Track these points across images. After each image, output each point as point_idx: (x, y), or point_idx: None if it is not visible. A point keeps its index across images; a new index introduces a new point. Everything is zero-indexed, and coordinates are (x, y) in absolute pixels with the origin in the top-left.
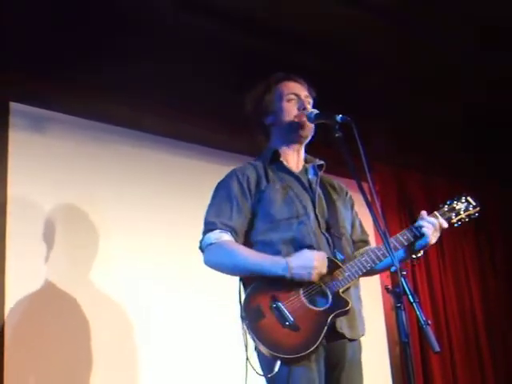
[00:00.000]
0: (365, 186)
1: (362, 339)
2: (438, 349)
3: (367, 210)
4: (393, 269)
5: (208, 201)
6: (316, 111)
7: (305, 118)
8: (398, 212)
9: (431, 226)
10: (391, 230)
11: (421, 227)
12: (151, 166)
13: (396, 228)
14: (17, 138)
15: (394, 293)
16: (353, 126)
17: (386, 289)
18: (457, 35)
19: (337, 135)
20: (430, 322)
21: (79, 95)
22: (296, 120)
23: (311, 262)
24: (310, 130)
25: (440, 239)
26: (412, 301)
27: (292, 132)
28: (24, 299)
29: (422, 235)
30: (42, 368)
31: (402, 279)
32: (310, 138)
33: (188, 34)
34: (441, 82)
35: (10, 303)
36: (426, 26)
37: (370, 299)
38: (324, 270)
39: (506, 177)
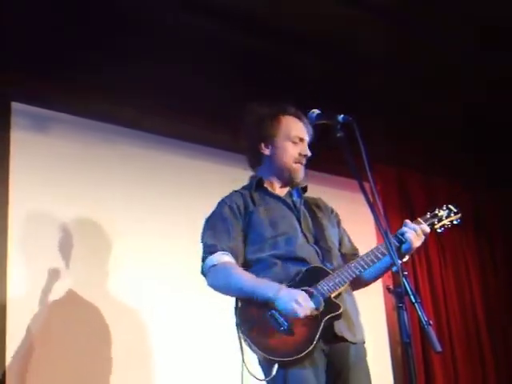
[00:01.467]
0: (366, 185)
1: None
2: (439, 349)
3: (369, 210)
4: (394, 269)
5: (212, 200)
6: (317, 111)
7: (299, 165)
8: (400, 211)
9: (413, 231)
10: (393, 230)
11: (404, 233)
12: (153, 166)
13: (397, 228)
14: (18, 138)
15: (396, 293)
16: (354, 125)
17: (387, 289)
18: (457, 35)
19: (338, 135)
20: (431, 322)
21: (80, 95)
22: (293, 166)
23: (297, 296)
24: (301, 176)
25: (440, 237)
26: (414, 301)
27: (284, 173)
28: (25, 302)
29: (406, 240)
30: (45, 371)
31: (404, 279)
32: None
33: (188, 34)
34: (441, 82)
35: (12, 305)
36: (426, 26)
37: (372, 299)
38: (303, 313)
39: (506, 177)
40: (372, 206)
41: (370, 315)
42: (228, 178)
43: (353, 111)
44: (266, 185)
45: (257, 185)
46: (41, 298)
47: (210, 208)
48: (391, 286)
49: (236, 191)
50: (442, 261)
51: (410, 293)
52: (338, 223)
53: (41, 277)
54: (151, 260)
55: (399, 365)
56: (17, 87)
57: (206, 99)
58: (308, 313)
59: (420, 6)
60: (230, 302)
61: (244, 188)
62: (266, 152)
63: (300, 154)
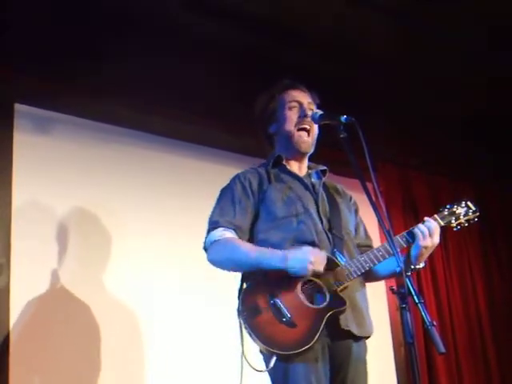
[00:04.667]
0: (369, 186)
1: (367, 339)
2: (443, 350)
3: (372, 211)
4: (398, 269)
5: (213, 201)
6: (320, 112)
7: (305, 125)
8: (403, 211)
9: (423, 229)
10: (396, 230)
11: (412, 229)
12: (157, 166)
13: (401, 228)
14: (22, 140)
15: (399, 293)
16: (357, 126)
17: (390, 289)
18: (457, 35)
19: (341, 136)
20: (435, 322)
21: (83, 96)
22: (295, 134)
23: (307, 255)
24: (307, 147)
25: (444, 239)
26: (417, 301)
27: (291, 143)
28: (28, 301)
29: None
30: (48, 369)
31: (407, 280)
32: (310, 152)
33: (188, 34)
34: (442, 81)
35: (14, 305)
36: (426, 26)
37: (375, 300)
38: (320, 268)
39: (511, 176)
40: (375, 207)
41: (374, 316)
42: (229, 178)
43: (355, 111)
44: (284, 162)
45: (275, 162)
46: (42, 299)
47: (210, 208)
48: (394, 287)
49: (252, 168)
50: (445, 262)
51: (413, 293)
52: (356, 211)
53: (43, 275)
54: (154, 260)
55: (402, 366)
56: (20, 89)
57: (207, 99)
58: (324, 263)
59: (420, 6)
60: (230, 299)
61: (261, 165)
62: (273, 130)
63: (300, 117)
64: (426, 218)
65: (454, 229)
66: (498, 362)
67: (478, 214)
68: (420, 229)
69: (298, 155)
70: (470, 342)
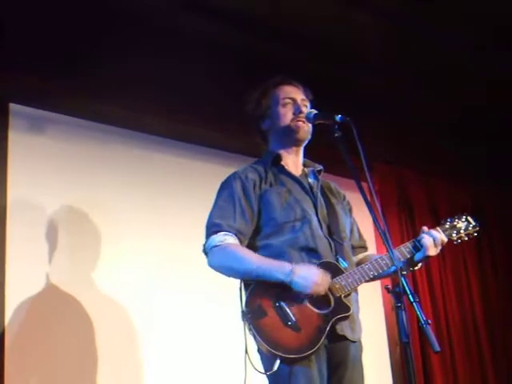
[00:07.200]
0: (364, 185)
1: (363, 339)
2: (438, 348)
3: (367, 210)
4: (393, 268)
5: (211, 202)
6: (315, 111)
7: (300, 123)
8: (398, 212)
9: (431, 239)
10: (391, 230)
11: (421, 239)
12: (152, 167)
13: (396, 227)
14: (17, 139)
15: (394, 292)
16: (352, 125)
17: (386, 288)
18: (457, 35)
19: (336, 135)
20: (430, 321)
21: (79, 96)
22: (291, 125)
23: (315, 276)
24: (306, 132)
25: None
26: (412, 300)
27: (288, 136)
28: (25, 302)
29: (421, 246)
30: (44, 371)
31: (402, 279)
32: (307, 140)
33: (188, 34)
34: (440, 82)
35: (10, 306)
36: (426, 26)
37: (371, 299)
38: (323, 290)
39: (506, 176)
40: (370, 206)
41: (369, 315)
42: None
43: (351, 111)
44: (282, 162)
45: (273, 161)
46: (39, 300)
47: (208, 209)
48: (390, 286)
49: (251, 166)
50: (440, 261)
51: (408, 292)
52: (350, 211)
53: (39, 277)
54: (149, 261)
55: (398, 365)
56: (15, 88)
57: (206, 100)
58: (327, 287)
59: (420, 6)
60: (229, 300)
61: (259, 163)
62: (266, 126)
63: (294, 114)
64: (425, 228)
65: (455, 242)
66: (493, 361)
67: (477, 228)
68: (429, 238)
69: (294, 147)
70: (466, 342)
